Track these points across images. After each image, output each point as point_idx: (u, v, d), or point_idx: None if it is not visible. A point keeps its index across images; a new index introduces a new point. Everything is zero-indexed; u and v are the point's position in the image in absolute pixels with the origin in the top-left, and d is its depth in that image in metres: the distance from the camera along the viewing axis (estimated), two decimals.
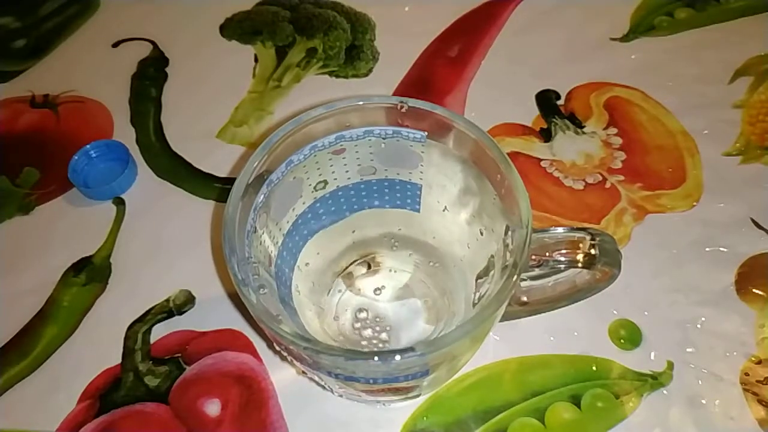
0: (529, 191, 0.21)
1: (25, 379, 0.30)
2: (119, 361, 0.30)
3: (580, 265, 0.23)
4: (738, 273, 0.31)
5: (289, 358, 0.24)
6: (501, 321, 0.24)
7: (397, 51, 0.41)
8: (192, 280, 0.32)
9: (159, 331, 0.30)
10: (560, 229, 0.23)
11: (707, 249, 0.32)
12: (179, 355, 0.30)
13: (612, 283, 0.24)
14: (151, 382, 0.29)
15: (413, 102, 0.24)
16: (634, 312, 0.30)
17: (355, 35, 0.42)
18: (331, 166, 0.25)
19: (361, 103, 0.24)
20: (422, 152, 0.25)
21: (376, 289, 0.29)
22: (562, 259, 0.23)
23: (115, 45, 0.43)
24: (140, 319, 0.31)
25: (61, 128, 0.39)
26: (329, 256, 0.28)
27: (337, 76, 0.41)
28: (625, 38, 0.41)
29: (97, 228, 0.34)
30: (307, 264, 0.27)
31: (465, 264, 0.27)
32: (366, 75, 0.41)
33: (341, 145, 0.25)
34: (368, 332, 0.28)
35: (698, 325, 0.29)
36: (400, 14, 0.44)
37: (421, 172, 0.26)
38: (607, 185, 0.34)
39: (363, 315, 0.28)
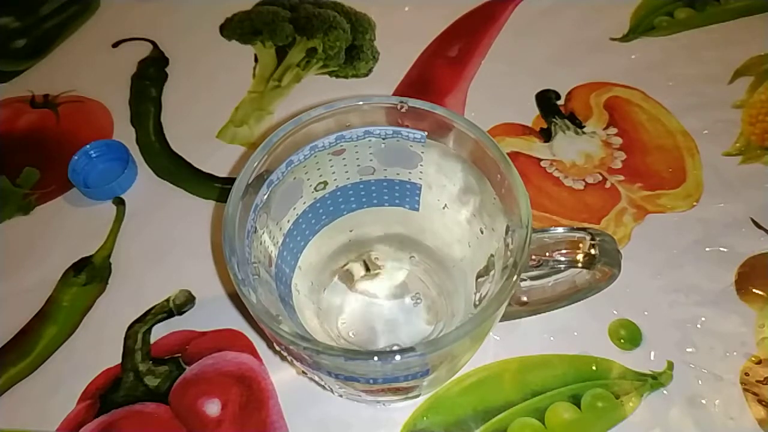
0: (529, 191, 0.21)
1: (25, 379, 0.30)
2: (119, 361, 0.30)
3: (580, 265, 0.23)
4: (738, 273, 0.31)
5: (289, 358, 0.24)
6: (501, 321, 0.24)
7: (397, 51, 0.41)
8: (192, 280, 0.32)
9: (159, 331, 0.30)
10: (560, 229, 0.23)
11: (707, 249, 0.32)
12: (179, 355, 0.30)
13: (612, 283, 0.24)
14: (151, 382, 0.29)
15: (413, 102, 0.24)
16: (634, 312, 0.30)
17: (355, 35, 0.42)
18: (332, 166, 0.25)
19: (361, 103, 0.24)
20: (422, 152, 0.25)
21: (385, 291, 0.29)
22: (562, 259, 0.23)
23: (115, 45, 0.43)
24: (140, 319, 0.31)
25: (61, 128, 0.39)
26: (328, 254, 0.28)
27: (337, 76, 0.41)
28: (625, 38, 0.41)
29: (97, 228, 0.34)
30: (306, 263, 0.27)
31: (465, 264, 0.27)
32: (366, 75, 0.41)
33: (341, 146, 0.25)
34: (367, 332, 0.28)
35: (698, 325, 0.29)
36: (400, 14, 0.44)
37: (421, 172, 0.26)
38: (607, 185, 0.34)
39: (362, 314, 0.28)
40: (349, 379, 0.21)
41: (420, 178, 0.26)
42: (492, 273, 0.24)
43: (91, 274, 0.33)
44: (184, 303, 0.31)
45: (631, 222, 0.33)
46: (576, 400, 0.28)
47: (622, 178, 0.34)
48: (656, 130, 0.36)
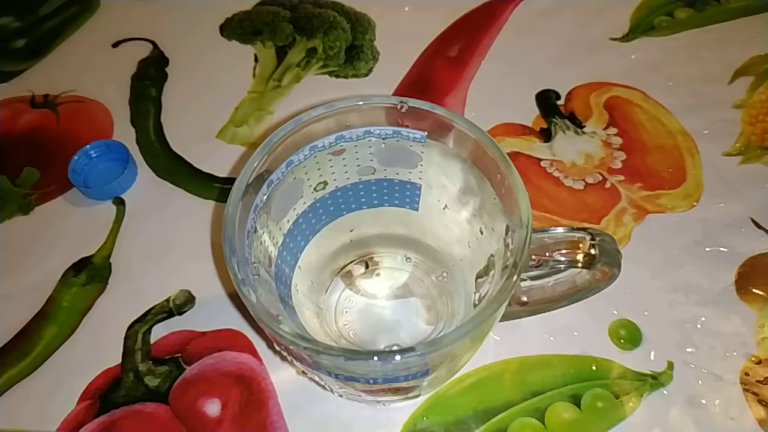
0: (529, 191, 0.21)
1: (25, 379, 0.30)
2: (119, 361, 0.30)
3: (580, 265, 0.23)
4: (738, 273, 0.31)
5: (289, 358, 0.24)
6: (501, 321, 0.24)
7: (397, 51, 0.41)
8: (192, 280, 0.32)
9: (159, 331, 0.30)
10: (560, 229, 0.23)
11: (707, 249, 0.32)
12: (179, 355, 0.30)
13: (612, 283, 0.24)
14: (151, 382, 0.29)
15: (413, 102, 0.24)
16: (634, 312, 0.30)
17: (355, 35, 0.42)
18: (331, 166, 0.25)
19: (361, 103, 0.24)
20: (422, 152, 0.25)
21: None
22: (562, 259, 0.23)
23: (115, 45, 0.43)
24: (140, 319, 0.31)
25: (61, 128, 0.39)
26: (327, 254, 0.28)
27: (337, 76, 0.41)
28: (625, 38, 0.41)
29: (97, 228, 0.34)
30: (306, 263, 0.27)
31: (465, 264, 0.27)
32: (366, 75, 0.41)
33: (341, 146, 0.25)
34: (367, 332, 0.28)
35: (698, 325, 0.29)
36: (400, 14, 0.44)
37: (421, 172, 0.26)
38: (607, 185, 0.34)
39: (361, 314, 0.28)
40: (349, 379, 0.21)
41: (420, 178, 0.26)
42: (492, 273, 0.24)
43: (91, 274, 0.33)
44: (184, 303, 0.31)
45: (631, 222, 0.33)
46: (576, 400, 0.28)
47: (622, 178, 0.34)
48: (656, 130, 0.36)
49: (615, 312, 0.30)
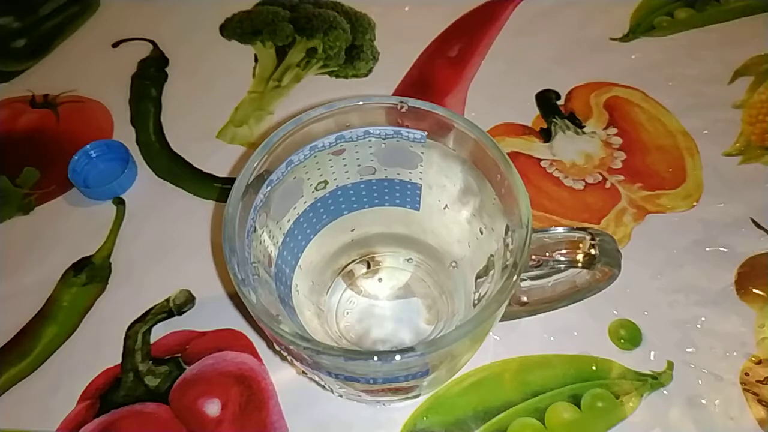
0: (529, 191, 0.21)
1: (25, 379, 0.30)
2: (119, 361, 0.30)
3: (580, 265, 0.23)
4: (738, 273, 0.31)
5: (289, 358, 0.24)
6: (501, 321, 0.24)
7: (397, 51, 0.41)
8: (192, 280, 0.32)
9: (159, 331, 0.30)
10: (560, 229, 0.23)
11: (707, 249, 0.32)
12: (179, 355, 0.30)
13: (612, 283, 0.24)
14: (151, 382, 0.29)
15: (413, 102, 0.24)
16: (634, 312, 0.30)
17: (355, 35, 0.42)
18: (332, 166, 0.25)
19: (361, 103, 0.24)
20: (422, 152, 0.25)
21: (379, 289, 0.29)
22: (562, 259, 0.23)
23: (115, 45, 0.43)
24: (140, 319, 0.31)
25: (61, 128, 0.39)
26: (328, 254, 0.28)
27: (337, 76, 0.41)
28: (625, 38, 0.41)
29: (97, 228, 0.34)
30: (307, 263, 0.27)
31: (465, 263, 0.27)
32: (366, 75, 0.41)
33: (341, 146, 0.25)
34: (367, 332, 0.28)
35: (698, 325, 0.29)
36: (400, 14, 0.44)
37: (421, 172, 0.26)
38: (607, 185, 0.34)
39: (362, 314, 0.28)
40: (349, 379, 0.21)
41: (420, 178, 0.26)
42: (492, 273, 0.24)
43: (91, 274, 0.33)
44: (184, 303, 0.31)
45: (631, 222, 0.33)
46: (576, 400, 0.28)
47: (622, 178, 0.34)
48: (656, 130, 0.36)
49: (615, 312, 0.30)
